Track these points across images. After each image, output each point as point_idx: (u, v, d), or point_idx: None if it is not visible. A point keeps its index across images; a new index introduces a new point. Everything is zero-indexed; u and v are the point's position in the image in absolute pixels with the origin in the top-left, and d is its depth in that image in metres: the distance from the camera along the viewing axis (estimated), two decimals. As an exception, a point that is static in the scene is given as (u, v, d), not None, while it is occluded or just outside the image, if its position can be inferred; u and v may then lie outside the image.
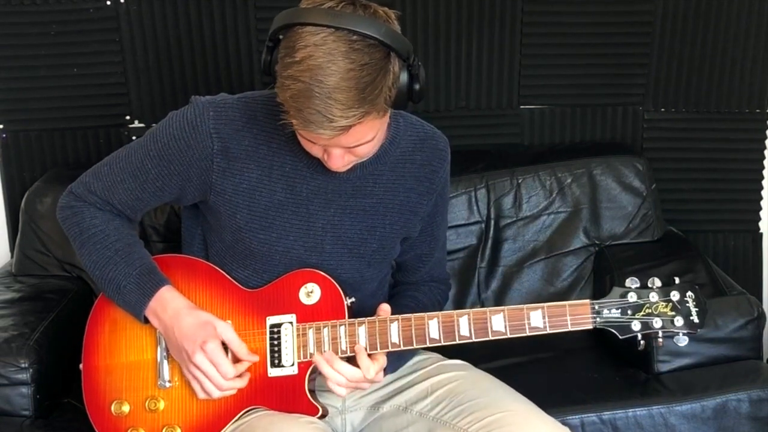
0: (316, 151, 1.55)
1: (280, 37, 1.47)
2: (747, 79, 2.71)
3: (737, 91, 2.72)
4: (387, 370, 1.74)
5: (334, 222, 1.71)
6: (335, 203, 1.70)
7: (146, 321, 1.71)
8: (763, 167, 2.80)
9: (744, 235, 2.84)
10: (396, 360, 1.77)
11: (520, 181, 2.56)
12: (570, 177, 2.57)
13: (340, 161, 1.55)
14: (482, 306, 2.53)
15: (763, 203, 2.83)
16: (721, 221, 2.83)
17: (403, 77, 1.48)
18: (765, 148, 2.78)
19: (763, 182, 2.81)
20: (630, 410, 2.08)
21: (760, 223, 2.84)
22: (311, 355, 1.65)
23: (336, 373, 1.62)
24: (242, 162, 1.66)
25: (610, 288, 1.64)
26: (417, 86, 1.51)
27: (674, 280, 1.63)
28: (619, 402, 2.10)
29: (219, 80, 2.62)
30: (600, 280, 2.50)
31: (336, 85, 1.40)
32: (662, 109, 2.75)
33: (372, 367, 1.63)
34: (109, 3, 2.55)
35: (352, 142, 1.50)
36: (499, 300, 2.54)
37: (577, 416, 2.05)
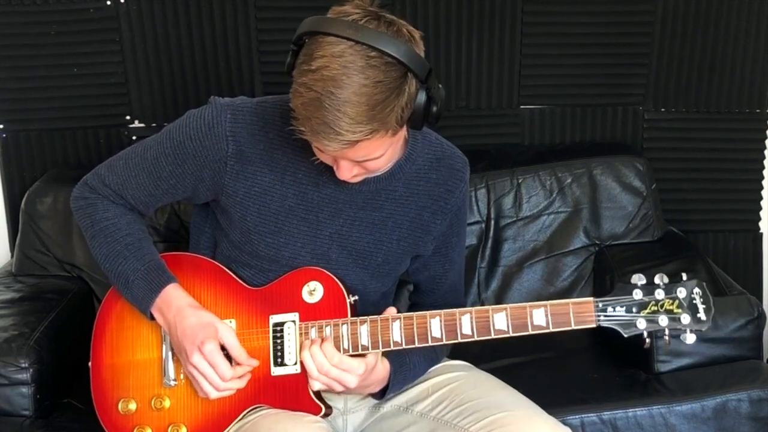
0: (326, 158, 1.55)
1: (305, 40, 1.47)
2: (747, 79, 2.71)
3: (737, 91, 2.72)
4: (390, 389, 1.73)
5: (342, 232, 1.71)
6: (345, 213, 1.70)
7: (152, 318, 1.71)
8: (763, 167, 2.80)
9: (744, 235, 2.84)
10: (401, 381, 1.75)
11: (520, 181, 2.56)
12: (570, 177, 2.57)
13: (348, 172, 1.54)
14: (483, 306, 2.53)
15: (763, 203, 2.83)
16: (721, 221, 2.83)
17: (420, 98, 1.47)
18: (765, 148, 2.79)
19: (763, 182, 2.81)
20: (630, 410, 2.08)
21: (760, 223, 2.84)
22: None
23: (309, 356, 1.60)
24: (256, 165, 1.66)
25: (611, 287, 1.62)
26: (434, 109, 1.49)
27: (681, 277, 1.59)
28: (619, 402, 2.10)
29: (219, 80, 2.62)
30: (600, 280, 2.50)
31: (347, 99, 1.40)
32: (662, 109, 2.75)
33: (337, 356, 1.59)
34: (109, 3, 2.55)
35: (359, 156, 1.50)
36: (500, 300, 2.54)
37: (577, 416, 2.05)
